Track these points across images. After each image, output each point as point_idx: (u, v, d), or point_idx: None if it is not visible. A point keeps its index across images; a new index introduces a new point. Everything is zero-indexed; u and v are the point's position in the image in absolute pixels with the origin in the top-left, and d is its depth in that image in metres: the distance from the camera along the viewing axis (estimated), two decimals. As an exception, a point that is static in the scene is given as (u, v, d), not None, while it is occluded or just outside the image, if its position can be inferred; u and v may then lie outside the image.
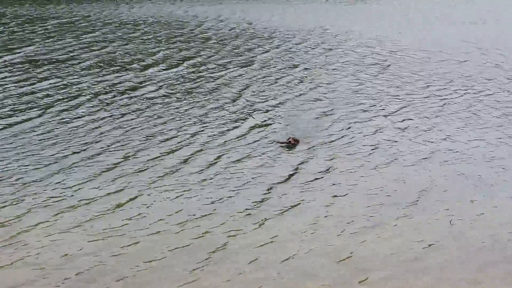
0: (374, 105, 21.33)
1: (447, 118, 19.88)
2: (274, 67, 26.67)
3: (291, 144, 17.66)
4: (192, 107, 20.35)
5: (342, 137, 18.14)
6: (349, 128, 18.94)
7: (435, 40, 33.04)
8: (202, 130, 18.14)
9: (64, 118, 19.07)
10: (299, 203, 13.44)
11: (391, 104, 21.53)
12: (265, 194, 13.92)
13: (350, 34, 33.99)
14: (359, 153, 16.83)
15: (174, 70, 25.67)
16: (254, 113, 19.95)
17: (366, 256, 11.63)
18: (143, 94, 22.02)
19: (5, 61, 26.00)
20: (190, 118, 19.24)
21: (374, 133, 18.47)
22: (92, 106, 20.41)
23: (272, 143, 17.42)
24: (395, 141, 17.76)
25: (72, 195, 13.73)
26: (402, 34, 35.10)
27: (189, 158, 15.96)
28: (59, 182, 14.39)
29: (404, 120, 19.80)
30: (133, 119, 19.14)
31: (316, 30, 35.35)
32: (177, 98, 21.40)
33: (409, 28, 37.17)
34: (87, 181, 14.49)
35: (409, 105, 21.37)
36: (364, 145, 17.54)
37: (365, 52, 29.42)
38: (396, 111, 20.72)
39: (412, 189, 14.34)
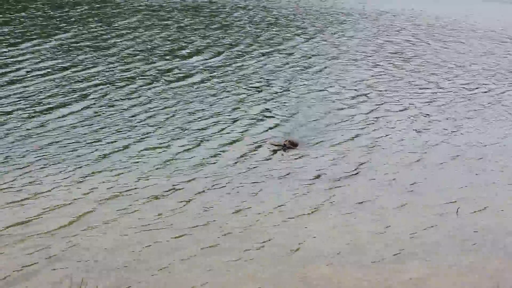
0: (381, 104, 20.88)
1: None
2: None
3: (287, 147, 16.48)
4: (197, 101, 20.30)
5: (346, 140, 17.43)
6: (356, 130, 18.31)
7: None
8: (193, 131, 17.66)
9: (98, 107, 19.53)
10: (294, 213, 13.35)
11: (401, 100, 21.39)
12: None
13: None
14: (364, 161, 16.13)
15: (194, 60, 25.98)
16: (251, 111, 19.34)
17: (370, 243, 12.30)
18: (161, 84, 22.42)
19: (37, 48, 26.49)
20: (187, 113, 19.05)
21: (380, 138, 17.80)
22: (124, 94, 20.87)
23: (267, 147, 16.61)
24: (402, 144, 17.40)
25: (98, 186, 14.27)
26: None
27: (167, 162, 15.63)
28: (93, 173, 14.91)
29: (414, 118, 19.64)
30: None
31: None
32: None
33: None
34: (122, 173, 15.08)
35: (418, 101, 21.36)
36: (369, 151, 16.82)
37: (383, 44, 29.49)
38: (405, 109, 20.58)
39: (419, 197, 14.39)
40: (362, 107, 20.65)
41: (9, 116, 18.45)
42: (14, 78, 22.05)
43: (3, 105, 19.26)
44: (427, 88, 23.05)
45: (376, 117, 19.68)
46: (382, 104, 21.14)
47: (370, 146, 17.32)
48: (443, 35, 31.98)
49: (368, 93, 22.24)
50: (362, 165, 16.02)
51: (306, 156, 16.20)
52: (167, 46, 27.77)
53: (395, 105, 21.07)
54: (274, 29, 32.03)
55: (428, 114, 20.19)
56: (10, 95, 20.25)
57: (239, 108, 20.02)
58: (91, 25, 30.82)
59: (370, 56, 27.37)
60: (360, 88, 22.83)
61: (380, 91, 22.57)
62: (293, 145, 16.59)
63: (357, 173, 15.60)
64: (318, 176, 15.17)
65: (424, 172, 15.89)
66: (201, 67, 24.44)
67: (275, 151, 16.27)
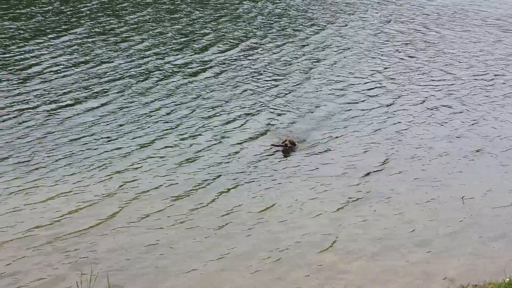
0: (385, 102, 20.37)
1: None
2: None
3: (288, 147, 16.32)
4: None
5: (348, 141, 17.15)
6: (359, 130, 17.94)
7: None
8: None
9: (115, 104, 19.61)
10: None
11: (404, 97, 20.97)
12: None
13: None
14: (364, 161, 15.95)
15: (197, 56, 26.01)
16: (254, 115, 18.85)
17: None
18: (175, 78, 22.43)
19: (50, 43, 26.47)
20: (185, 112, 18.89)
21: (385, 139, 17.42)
22: (141, 89, 20.90)
23: (269, 147, 16.52)
24: (409, 145, 17.14)
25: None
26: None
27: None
28: (113, 172, 15.15)
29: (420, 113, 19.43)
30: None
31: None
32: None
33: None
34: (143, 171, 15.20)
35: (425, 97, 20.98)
36: (371, 150, 16.62)
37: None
38: (408, 104, 20.27)
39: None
40: (379, 100, 20.59)
41: (29, 113, 18.50)
42: (31, 74, 22.04)
43: (23, 102, 19.29)
44: (444, 79, 23.01)
45: (395, 110, 19.66)
46: (399, 96, 21.07)
47: (392, 140, 17.36)
48: (452, 23, 31.86)
49: (384, 85, 22.16)
50: (384, 160, 16.11)
51: (315, 154, 16.28)
52: (180, 39, 27.69)
53: (413, 97, 21.04)
54: (284, 21, 31.95)
55: (448, 106, 20.21)
56: (29, 91, 20.27)
57: (254, 103, 19.97)
58: (102, 19, 30.70)
59: (382, 47, 27.29)
60: (375, 80, 22.73)
61: (396, 82, 22.49)
62: (293, 144, 16.41)
63: (380, 168, 15.71)
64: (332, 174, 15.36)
65: (449, 166, 16.03)
66: (216, 61, 24.36)
67: (279, 150, 16.27)
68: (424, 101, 20.62)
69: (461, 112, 19.78)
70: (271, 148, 16.45)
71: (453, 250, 12.42)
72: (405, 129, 18.14)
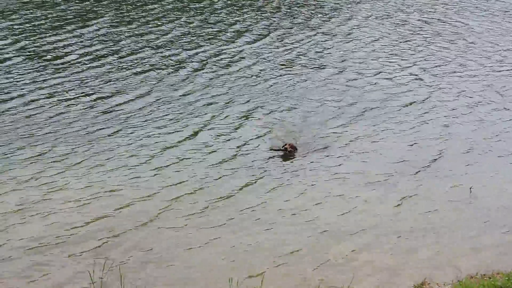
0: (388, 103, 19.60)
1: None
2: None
3: (288, 151, 15.66)
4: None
5: (351, 145, 16.53)
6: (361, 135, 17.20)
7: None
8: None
9: (145, 96, 19.86)
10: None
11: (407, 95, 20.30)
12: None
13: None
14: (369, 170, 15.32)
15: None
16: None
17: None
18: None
19: (76, 34, 26.72)
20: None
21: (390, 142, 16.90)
22: (172, 82, 21.10)
23: (268, 150, 15.95)
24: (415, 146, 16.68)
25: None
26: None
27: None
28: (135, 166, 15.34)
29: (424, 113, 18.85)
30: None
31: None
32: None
33: None
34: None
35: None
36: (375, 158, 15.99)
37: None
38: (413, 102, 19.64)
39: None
40: (416, 92, 20.42)
41: (57, 103, 18.85)
42: (59, 64, 22.37)
43: (57, 94, 19.61)
44: (480, 71, 22.69)
45: (433, 106, 19.44)
46: (436, 90, 20.80)
47: (437, 137, 17.30)
48: (475, 14, 31.36)
49: (420, 78, 22.03)
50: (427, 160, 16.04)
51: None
52: (206, 30, 27.76)
53: (451, 89, 20.85)
54: (308, 11, 31.85)
55: (490, 100, 19.97)
56: (62, 83, 20.53)
57: (276, 98, 19.92)
58: (125, 9, 30.89)
59: (410, 39, 27.10)
60: (411, 71, 22.62)
61: (432, 74, 22.31)
62: (293, 149, 15.78)
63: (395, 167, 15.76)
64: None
65: (461, 158, 16.14)
66: (245, 52, 24.34)
67: (281, 153, 15.71)
68: (429, 96, 20.38)
69: (507, 109, 19.55)
70: (271, 150, 15.89)
71: (462, 240, 12.43)
72: (448, 126, 17.98)
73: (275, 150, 15.81)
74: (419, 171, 15.34)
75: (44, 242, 11.94)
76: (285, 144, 15.81)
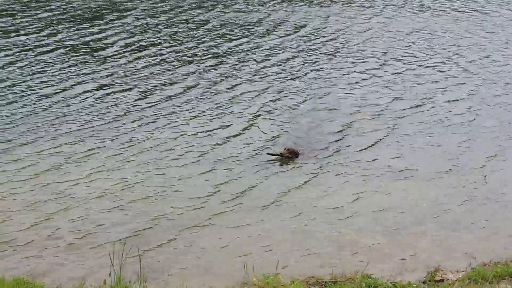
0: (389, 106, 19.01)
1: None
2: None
3: (286, 157, 15.07)
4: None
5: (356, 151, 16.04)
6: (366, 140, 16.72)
7: None
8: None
9: (186, 89, 20.24)
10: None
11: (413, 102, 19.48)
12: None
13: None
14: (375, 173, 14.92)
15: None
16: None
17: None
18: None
19: (110, 25, 27.11)
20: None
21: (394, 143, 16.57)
22: (213, 75, 21.38)
23: (266, 155, 15.44)
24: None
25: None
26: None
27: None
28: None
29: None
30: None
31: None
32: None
33: None
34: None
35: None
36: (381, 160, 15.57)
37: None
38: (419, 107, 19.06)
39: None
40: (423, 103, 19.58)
41: (96, 93, 19.48)
42: (97, 55, 22.83)
43: (94, 85, 20.21)
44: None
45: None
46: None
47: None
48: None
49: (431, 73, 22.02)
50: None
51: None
52: (237, 24, 28.03)
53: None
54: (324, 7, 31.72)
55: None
56: (98, 74, 21.02)
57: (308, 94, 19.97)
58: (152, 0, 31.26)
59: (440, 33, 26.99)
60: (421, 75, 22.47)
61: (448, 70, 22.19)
62: (293, 154, 15.24)
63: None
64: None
65: (474, 145, 16.35)
66: (281, 47, 24.49)
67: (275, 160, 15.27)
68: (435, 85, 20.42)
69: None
70: (268, 155, 15.42)
71: (475, 228, 12.51)
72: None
73: (272, 155, 15.32)
74: (433, 160, 15.57)
75: (65, 228, 12.34)
76: (284, 149, 15.33)
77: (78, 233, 12.17)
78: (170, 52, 23.88)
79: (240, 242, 11.96)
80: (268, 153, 15.45)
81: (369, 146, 16.33)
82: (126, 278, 9.99)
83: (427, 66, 22.75)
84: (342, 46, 25.41)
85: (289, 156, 15.12)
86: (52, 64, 21.95)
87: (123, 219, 12.67)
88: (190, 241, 11.96)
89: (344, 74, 22.10)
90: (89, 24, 27.15)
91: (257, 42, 25.51)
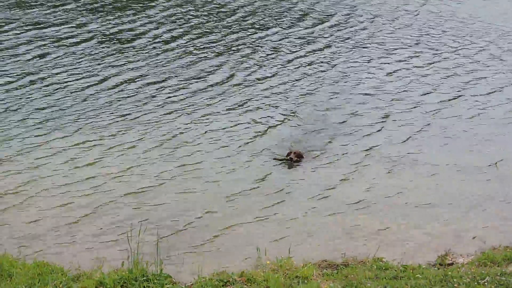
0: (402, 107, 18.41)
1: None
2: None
3: (293, 161, 14.64)
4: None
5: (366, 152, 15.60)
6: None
7: None
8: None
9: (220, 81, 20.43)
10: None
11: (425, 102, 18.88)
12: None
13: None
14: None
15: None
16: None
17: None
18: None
19: (138, 16, 27.37)
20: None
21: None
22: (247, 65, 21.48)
23: (272, 159, 15.07)
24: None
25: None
26: None
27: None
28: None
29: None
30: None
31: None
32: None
33: None
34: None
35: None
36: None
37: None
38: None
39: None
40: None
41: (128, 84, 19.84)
42: (127, 46, 23.18)
43: (124, 76, 20.58)
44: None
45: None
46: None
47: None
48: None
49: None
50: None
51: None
52: (265, 14, 28.14)
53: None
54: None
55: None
56: (134, 68, 21.39)
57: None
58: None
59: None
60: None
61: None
62: (299, 157, 14.84)
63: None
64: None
65: (485, 132, 16.53)
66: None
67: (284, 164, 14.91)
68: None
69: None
70: (274, 160, 15.00)
71: (485, 213, 12.69)
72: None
73: (279, 160, 14.92)
74: (446, 145, 15.80)
75: (84, 214, 12.80)
76: (290, 153, 14.87)
77: (96, 218, 12.62)
78: (198, 43, 24.10)
79: (253, 228, 12.28)
80: (275, 158, 15.02)
81: (384, 137, 16.58)
82: (143, 261, 10.25)
83: (460, 56, 22.60)
84: (371, 36, 25.32)
85: (298, 160, 14.77)
86: (82, 56, 22.35)
87: (140, 204, 13.09)
88: (204, 226, 12.32)
89: (375, 65, 22.12)
90: (117, 15, 27.50)
91: (285, 33, 25.58)
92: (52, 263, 10.55)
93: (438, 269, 10.50)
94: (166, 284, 9.97)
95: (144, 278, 9.97)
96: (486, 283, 9.73)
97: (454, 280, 9.84)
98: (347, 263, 10.74)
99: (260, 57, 22.62)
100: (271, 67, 21.48)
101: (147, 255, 10.59)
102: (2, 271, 9.93)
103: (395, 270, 10.34)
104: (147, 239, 11.15)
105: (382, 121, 17.26)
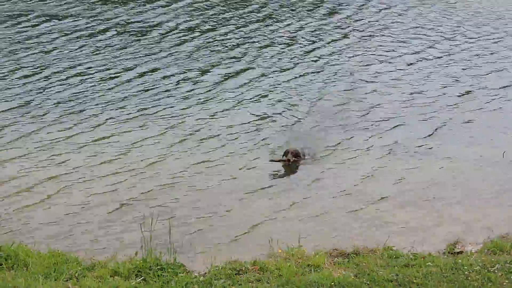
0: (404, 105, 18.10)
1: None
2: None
3: (290, 162, 14.07)
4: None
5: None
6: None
7: None
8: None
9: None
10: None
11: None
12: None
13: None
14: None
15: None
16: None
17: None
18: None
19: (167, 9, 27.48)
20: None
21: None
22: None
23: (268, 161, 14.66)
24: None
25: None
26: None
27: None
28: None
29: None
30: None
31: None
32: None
33: None
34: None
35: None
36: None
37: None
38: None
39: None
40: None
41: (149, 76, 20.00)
42: (151, 39, 23.39)
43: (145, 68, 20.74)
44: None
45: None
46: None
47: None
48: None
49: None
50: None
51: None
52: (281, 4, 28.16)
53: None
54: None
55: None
56: (152, 60, 21.54)
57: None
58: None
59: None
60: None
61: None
62: (297, 157, 14.25)
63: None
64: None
65: (493, 123, 16.58)
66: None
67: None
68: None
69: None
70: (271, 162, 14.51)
71: (493, 202, 12.85)
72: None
73: (276, 161, 14.42)
74: (454, 136, 15.90)
75: (98, 204, 13.03)
76: (287, 152, 14.26)
77: (110, 206, 12.83)
78: (215, 34, 24.17)
79: (264, 219, 12.43)
80: (271, 160, 14.49)
81: (395, 126, 16.70)
82: (156, 251, 10.40)
83: (480, 47, 22.52)
84: (387, 27, 25.28)
85: (296, 160, 14.18)
86: (100, 48, 22.54)
87: (153, 195, 13.24)
88: (216, 217, 12.50)
89: (392, 56, 22.15)
90: (135, 4, 27.62)
91: (301, 24, 25.62)
92: (67, 252, 10.70)
93: (448, 257, 10.59)
94: (180, 273, 10.07)
95: (158, 267, 10.08)
96: (496, 271, 9.82)
97: (465, 268, 9.95)
98: (357, 252, 10.84)
99: (276, 48, 22.69)
100: (289, 59, 21.56)
101: (160, 245, 10.77)
102: (18, 260, 10.08)
103: (406, 258, 10.44)
104: (160, 229, 11.30)
105: (401, 115, 17.30)
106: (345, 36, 24.23)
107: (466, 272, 9.81)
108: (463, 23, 25.69)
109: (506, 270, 9.85)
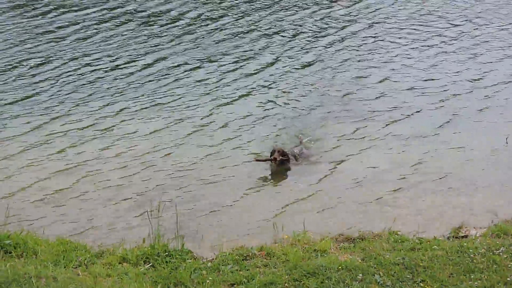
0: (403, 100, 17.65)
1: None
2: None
3: (277, 161, 13.50)
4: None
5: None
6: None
7: None
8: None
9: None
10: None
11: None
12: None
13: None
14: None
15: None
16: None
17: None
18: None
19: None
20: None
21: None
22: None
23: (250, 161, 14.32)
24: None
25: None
26: None
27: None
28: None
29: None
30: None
31: None
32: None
33: None
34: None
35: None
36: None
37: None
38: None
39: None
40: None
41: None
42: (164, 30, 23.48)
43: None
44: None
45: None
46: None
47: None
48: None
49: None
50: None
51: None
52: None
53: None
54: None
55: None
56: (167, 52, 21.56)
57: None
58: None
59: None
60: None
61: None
62: (283, 155, 13.64)
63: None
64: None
65: (497, 110, 16.61)
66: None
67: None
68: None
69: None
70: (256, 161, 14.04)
71: (497, 187, 12.87)
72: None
73: (262, 161, 13.89)
74: (457, 122, 15.95)
75: (105, 190, 13.23)
76: (274, 151, 13.71)
77: (118, 195, 13.01)
78: (230, 25, 24.21)
79: (269, 206, 12.57)
80: (256, 159, 13.94)
81: (403, 118, 16.62)
82: (164, 237, 10.52)
83: (495, 38, 22.40)
84: (404, 19, 25.11)
85: (282, 159, 13.58)
86: (110, 37, 22.69)
87: (161, 182, 13.40)
88: (223, 207, 12.61)
89: (407, 44, 22.02)
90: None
91: (305, 14, 25.60)
92: (76, 240, 10.83)
93: (453, 241, 10.66)
94: (187, 259, 10.17)
95: (166, 253, 10.18)
96: (501, 253, 9.90)
97: (470, 251, 10.02)
98: (363, 237, 10.92)
99: (285, 37, 22.68)
100: (307, 51, 21.46)
101: (168, 232, 10.87)
102: (27, 249, 10.20)
103: (412, 243, 10.50)
104: (167, 216, 11.45)
105: (413, 104, 17.32)
106: (353, 23, 24.14)
107: (471, 255, 9.87)
108: (473, 9, 25.53)
109: (510, 253, 9.92)
